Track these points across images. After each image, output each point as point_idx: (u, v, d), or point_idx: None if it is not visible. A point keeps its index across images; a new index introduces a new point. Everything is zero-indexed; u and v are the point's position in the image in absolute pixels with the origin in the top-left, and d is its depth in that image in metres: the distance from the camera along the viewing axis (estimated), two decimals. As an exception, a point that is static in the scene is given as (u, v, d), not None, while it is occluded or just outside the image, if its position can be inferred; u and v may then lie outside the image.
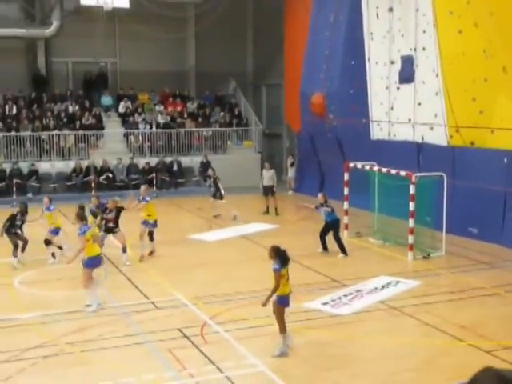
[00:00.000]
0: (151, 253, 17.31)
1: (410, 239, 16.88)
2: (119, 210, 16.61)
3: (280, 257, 10.53)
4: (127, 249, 16.46)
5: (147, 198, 17.37)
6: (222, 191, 22.71)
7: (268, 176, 23.92)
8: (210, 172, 23.99)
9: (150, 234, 17.26)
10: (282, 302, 10.57)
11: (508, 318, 12.32)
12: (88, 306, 12.78)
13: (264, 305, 10.56)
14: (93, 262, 12.84)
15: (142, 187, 17.93)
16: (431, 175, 17.64)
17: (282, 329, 10.51)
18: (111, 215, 16.46)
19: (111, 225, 16.41)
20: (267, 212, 23.59)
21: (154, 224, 17.23)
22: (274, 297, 10.51)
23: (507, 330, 11.66)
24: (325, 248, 17.57)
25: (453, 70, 19.64)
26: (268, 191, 23.68)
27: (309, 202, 26.04)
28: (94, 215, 16.97)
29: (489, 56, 18.16)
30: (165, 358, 10.41)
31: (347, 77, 24.56)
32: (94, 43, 31.26)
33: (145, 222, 17.08)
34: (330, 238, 17.45)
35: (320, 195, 17.73)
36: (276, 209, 23.61)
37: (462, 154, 19.57)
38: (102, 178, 27.67)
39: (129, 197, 18.95)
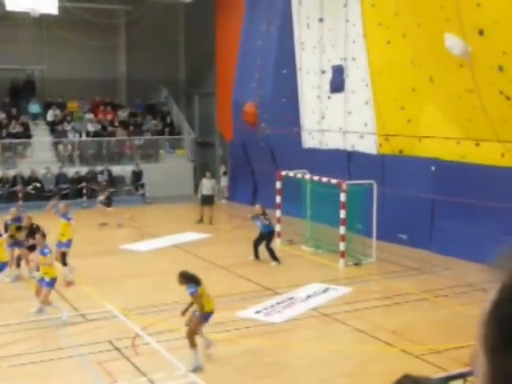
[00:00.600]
0: (69, 284, 15.18)
1: (342, 246, 17.08)
2: (34, 228, 15.53)
3: (190, 280, 10.44)
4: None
5: (68, 216, 15.90)
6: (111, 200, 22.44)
7: (209, 185, 23.75)
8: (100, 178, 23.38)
9: (63, 256, 15.38)
10: (205, 319, 10.62)
11: (437, 323, 12.58)
12: None
13: (183, 314, 10.75)
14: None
15: (62, 204, 16.78)
16: (361, 183, 17.92)
17: (193, 344, 10.29)
18: (23, 234, 15.58)
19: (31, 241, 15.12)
20: (201, 221, 23.35)
21: (68, 244, 15.58)
22: (197, 313, 10.51)
23: (436, 334, 11.90)
24: (257, 256, 17.62)
25: (382, 80, 20.03)
26: (208, 201, 23.47)
27: (242, 210, 26.10)
28: (6, 228, 16.02)
29: (416, 66, 18.58)
30: (95, 371, 10.19)
31: (279, 86, 24.73)
32: (20, 50, 30.49)
33: (58, 243, 15.41)
34: (261, 247, 17.50)
35: (258, 206, 17.82)
36: (211, 218, 23.37)
37: (391, 162, 19.95)
38: (30, 187, 26.99)
39: (48, 206, 18.28)
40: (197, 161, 31.88)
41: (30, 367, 10.45)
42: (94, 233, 18.13)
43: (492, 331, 0.91)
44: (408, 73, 18.86)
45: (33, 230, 15.44)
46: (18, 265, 15.91)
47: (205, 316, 10.50)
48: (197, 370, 10.17)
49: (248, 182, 27.67)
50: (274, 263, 17.24)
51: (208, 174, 24.39)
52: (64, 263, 15.28)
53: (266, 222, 17.39)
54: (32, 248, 15.01)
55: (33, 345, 11.31)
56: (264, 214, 17.47)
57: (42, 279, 12.76)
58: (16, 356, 10.83)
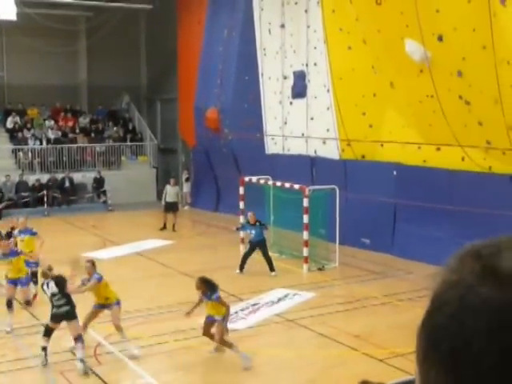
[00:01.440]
0: (35, 296, 14.33)
1: (305, 251, 17.10)
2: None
3: (211, 286, 10.84)
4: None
5: (24, 234, 14.64)
6: None
7: (173, 192, 23.61)
8: None
9: (34, 276, 14.55)
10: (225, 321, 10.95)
11: (400, 326, 12.63)
12: None
13: (188, 315, 11.11)
14: None
15: (21, 218, 15.76)
16: (324, 188, 17.99)
17: (230, 345, 10.70)
18: None
19: None
20: (164, 228, 23.20)
21: (36, 264, 14.51)
22: (219, 318, 10.73)
23: (399, 337, 11.95)
24: (242, 269, 16.94)
25: (343, 85, 20.15)
26: (171, 207, 23.28)
27: (205, 216, 26.02)
28: None
29: (377, 71, 18.75)
30: (57, 381, 10.02)
31: (241, 91, 24.73)
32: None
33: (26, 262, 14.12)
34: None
35: (250, 214, 17.06)
36: (174, 225, 23.20)
37: (354, 166, 20.08)
38: (-11, 196, 26.54)
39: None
40: (159, 167, 31.70)
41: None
42: (56, 240, 17.82)
43: (422, 341, 0.90)
44: (369, 78, 19.02)
45: None
46: None
47: (226, 319, 10.89)
48: (247, 364, 10.43)
49: (211, 188, 27.59)
50: (273, 273, 16.66)
51: (172, 180, 24.15)
52: (36, 281, 14.31)
53: (265, 230, 17.02)
54: None
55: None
56: (260, 221, 16.95)
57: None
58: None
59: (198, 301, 11.02)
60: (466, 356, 0.82)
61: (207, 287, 10.78)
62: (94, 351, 11.20)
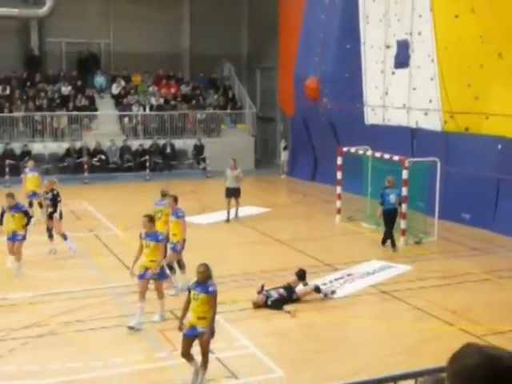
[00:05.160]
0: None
1: (403, 224, 16.88)
2: (56, 193, 15.36)
3: (211, 275, 8.86)
4: (67, 236, 15.46)
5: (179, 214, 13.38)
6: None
7: (233, 176, 19.69)
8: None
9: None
10: (213, 333, 8.86)
11: (499, 304, 12.36)
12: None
13: (180, 329, 8.82)
14: None
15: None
16: (424, 160, 17.63)
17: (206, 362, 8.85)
18: (47, 200, 15.33)
19: (50, 209, 15.28)
20: (228, 220, 19.46)
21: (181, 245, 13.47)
22: (202, 330, 8.66)
23: (498, 315, 11.70)
24: (394, 245, 16.34)
25: (448, 56, 19.57)
26: (232, 194, 19.48)
27: (301, 186, 26.08)
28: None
29: (485, 41, 18.08)
30: (156, 339, 10.42)
31: (342, 61, 24.44)
32: (87, 24, 31.00)
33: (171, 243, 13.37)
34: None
35: (389, 177, 16.50)
36: (237, 213, 19.75)
37: (456, 139, 19.55)
38: (95, 159, 27.55)
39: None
40: (258, 136, 31.92)
41: (93, 333, 10.76)
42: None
43: None
44: (476, 48, 18.38)
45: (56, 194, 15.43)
46: (51, 236, 15.53)
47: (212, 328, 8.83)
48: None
49: (308, 158, 27.56)
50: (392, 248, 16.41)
51: (232, 163, 20.18)
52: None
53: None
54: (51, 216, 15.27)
55: (95, 312, 11.63)
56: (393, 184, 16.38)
57: None
58: (79, 322, 11.16)
59: (185, 304, 8.94)
60: None
61: (209, 275, 8.80)
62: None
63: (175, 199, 13.19)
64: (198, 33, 33.11)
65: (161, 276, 11.31)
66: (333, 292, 12.63)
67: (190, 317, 8.79)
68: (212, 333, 8.77)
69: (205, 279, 8.71)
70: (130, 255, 15.38)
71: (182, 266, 13.02)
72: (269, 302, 11.90)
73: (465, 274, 14.27)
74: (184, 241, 13.05)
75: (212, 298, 8.72)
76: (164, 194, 14.25)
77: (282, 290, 12.20)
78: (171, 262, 12.83)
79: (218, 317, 11.26)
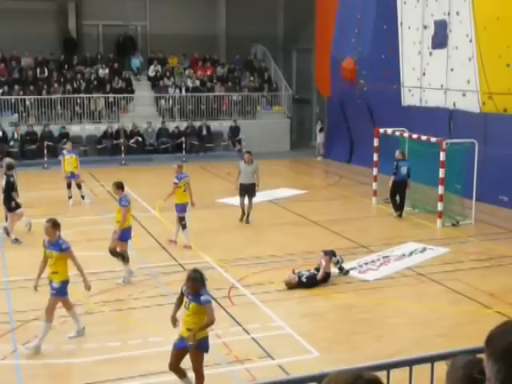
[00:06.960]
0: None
1: (440, 206, 16.75)
2: None
3: (204, 283, 7.79)
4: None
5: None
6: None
7: (249, 171, 17.45)
8: None
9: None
10: (206, 347, 7.85)
11: (537, 287, 12.23)
12: None
13: (192, 343, 7.63)
14: None
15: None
16: (462, 142, 17.43)
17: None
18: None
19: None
20: (242, 220, 17.39)
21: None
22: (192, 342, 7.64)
23: (536, 298, 11.58)
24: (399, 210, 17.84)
25: (487, 36, 19.25)
26: (246, 191, 17.28)
27: (337, 168, 26.00)
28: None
29: (525, 21, 17.77)
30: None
31: (379, 41, 24.21)
32: (124, 6, 31.18)
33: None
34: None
35: (398, 152, 17.98)
36: (248, 215, 17.30)
37: (495, 120, 19.27)
38: (132, 141, 27.80)
39: None
40: (294, 118, 31.84)
41: (131, 312, 10.95)
42: (192, 186, 18.39)
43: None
44: (516, 28, 18.04)
45: None
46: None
47: (205, 343, 7.86)
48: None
49: (344, 140, 27.43)
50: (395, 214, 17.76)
51: (246, 156, 17.79)
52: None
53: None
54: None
55: (133, 291, 11.82)
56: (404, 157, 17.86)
57: None
58: (117, 301, 11.37)
59: (177, 301, 8.14)
60: None
61: (202, 283, 7.73)
62: (227, 292, 11.67)
63: (118, 186, 12.49)
64: (233, 14, 33.05)
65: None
66: (347, 272, 12.82)
67: (181, 327, 7.98)
68: (205, 347, 7.76)
69: (194, 290, 7.69)
70: (165, 236, 15.60)
71: (122, 256, 12.44)
72: (303, 279, 11.95)
73: (502, 256, 14.14)
74: (130, 228, 12.62)
75: (204, 308, 7.68)
76: (180, 166, 15.45)
77: (313, 270, 12.27)
78: (123, 252, 12.43)
79: (253, 298, 11.42)
